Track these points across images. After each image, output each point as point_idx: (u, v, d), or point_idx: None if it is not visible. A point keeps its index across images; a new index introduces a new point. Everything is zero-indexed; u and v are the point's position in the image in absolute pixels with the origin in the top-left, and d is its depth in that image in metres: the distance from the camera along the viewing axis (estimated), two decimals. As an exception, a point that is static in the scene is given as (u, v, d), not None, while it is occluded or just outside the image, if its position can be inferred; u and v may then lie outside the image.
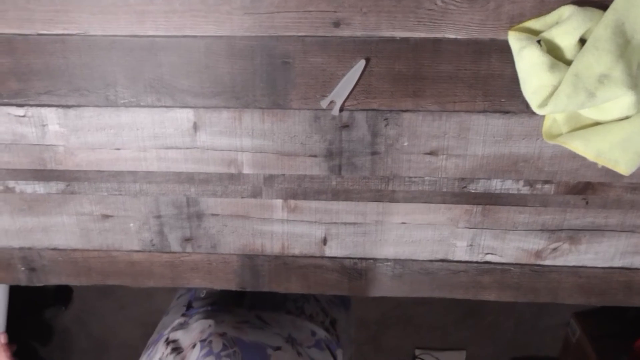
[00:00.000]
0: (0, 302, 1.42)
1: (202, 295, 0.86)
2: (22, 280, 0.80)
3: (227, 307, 0.82)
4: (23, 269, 0.79)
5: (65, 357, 2.23)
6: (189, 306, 0.85)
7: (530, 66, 0.57)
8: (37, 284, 0.80)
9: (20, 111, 0.69)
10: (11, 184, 0.73)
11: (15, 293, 1.44)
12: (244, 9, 0.62)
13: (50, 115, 0.69)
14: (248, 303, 0.84)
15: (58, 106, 0.68)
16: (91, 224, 0.75)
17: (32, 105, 0.68)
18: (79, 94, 0.67)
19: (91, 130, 0.69)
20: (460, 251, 0.72)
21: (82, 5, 0.63)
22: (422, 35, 0.61)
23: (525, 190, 0.68)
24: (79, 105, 0.68)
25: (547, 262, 0.72)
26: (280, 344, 0.70)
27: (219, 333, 0.67)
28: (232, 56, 0.64)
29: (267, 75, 0.65)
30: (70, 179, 0.72)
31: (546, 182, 0.67)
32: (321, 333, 0.81)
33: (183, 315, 0.82)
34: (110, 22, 0.63)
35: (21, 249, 0.78)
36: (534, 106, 0.59)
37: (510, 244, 0.71)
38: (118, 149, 0.70)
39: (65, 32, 0.64)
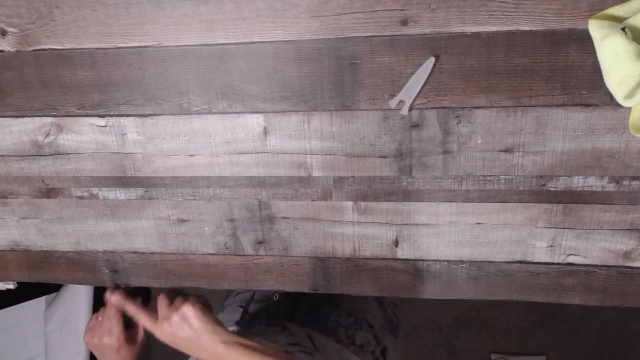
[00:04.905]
0: (86, 302, 1.51)
1: (276, 299, 0.87)
2: (107, 282, 0.84)
3: (279, 322, 0.83)
4: (107, 271, 0.83)
5: (146, 354, 2.33)
6: (245, 310, 0.86)
7: (614, 56, 0.54)
8: (121, 286, 0.84)
9: (101, 121, 0.72)
10: (95, 190, 0.77)
11: (97, 293, 1.52)
12: (310, 12, 0.62)
13: (129, 124, 0.72)
14: (300, 319, 0.84)
15: (136, 115, 0.71)
16: (168, 228, 0.78)
17: (112, 116, 0.72)
18: (154, 103, 0.70)
19: (166, 137, 0.71)
20: (540, 252, 0.69)
21: (156, 17, 0.65)
22: (494, 28, 0.59)
23: (610, 187, 0.64)
24: (154, 114, 0.71)
25: (636, 264, 0.67)
26: None
27: None
28: (299, 60, 0.64)
29: (334, 77, 0.64)
30: (148, 185, 0.75)
31: (634, 178, 0.63)
32: None
33: (237, 323, 0.84)
34: (182, 33, 0.66)
35: (105, 252, 0.82)
36: (619, 98, 0.56)
37: (595, 245, 0.67)
38: (192, 155, 0.72)
39: (141, 44, 0.67)
